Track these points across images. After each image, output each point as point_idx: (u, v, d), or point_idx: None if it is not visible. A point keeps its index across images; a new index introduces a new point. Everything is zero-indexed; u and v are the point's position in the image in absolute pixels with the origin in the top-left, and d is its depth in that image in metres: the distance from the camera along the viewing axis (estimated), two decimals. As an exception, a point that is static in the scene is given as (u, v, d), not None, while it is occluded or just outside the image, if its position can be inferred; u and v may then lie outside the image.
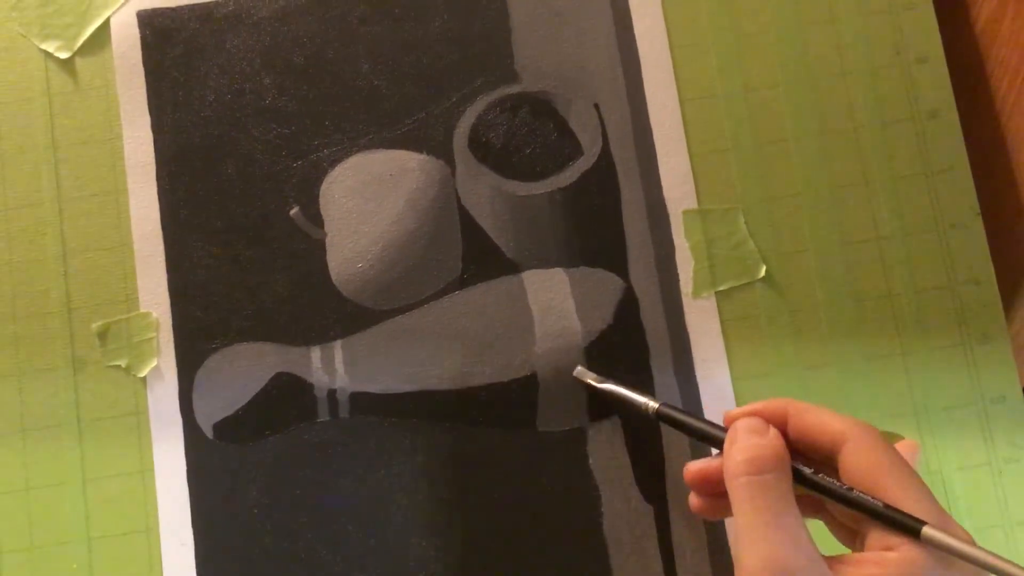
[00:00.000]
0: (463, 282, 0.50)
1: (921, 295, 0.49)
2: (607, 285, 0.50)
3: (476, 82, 0.51)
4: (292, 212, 0.51)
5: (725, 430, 0.40)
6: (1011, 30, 0.50)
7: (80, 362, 0.50)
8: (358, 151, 0.51)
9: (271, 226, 0.51)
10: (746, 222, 0.50)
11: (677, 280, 0.50)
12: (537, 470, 0.48)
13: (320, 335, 0.50)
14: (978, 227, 0.49)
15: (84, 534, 0.48)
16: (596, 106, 0.51)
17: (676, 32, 0.51)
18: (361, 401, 0.49)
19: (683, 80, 0.51)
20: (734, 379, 0.49)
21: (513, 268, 0.50)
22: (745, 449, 0.36)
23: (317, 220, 0.51)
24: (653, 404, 0.44)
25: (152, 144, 0.51)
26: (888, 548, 0.34)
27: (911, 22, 0.51)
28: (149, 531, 0.48)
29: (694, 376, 0.49)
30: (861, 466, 0.35)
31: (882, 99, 0.50)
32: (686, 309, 0.49)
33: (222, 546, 0.48)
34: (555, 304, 0.49)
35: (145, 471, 0.49)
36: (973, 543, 0.34)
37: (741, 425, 0.38)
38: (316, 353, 0.49)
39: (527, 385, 0.49)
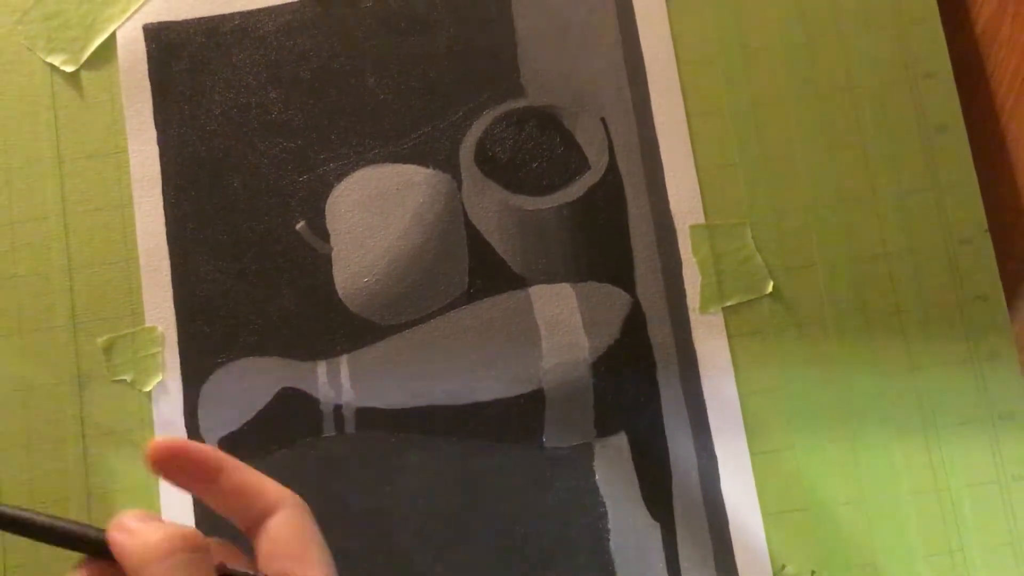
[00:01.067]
0: (470, 297, 0.50)
1: (929, 311, 0.49)
2: (614, 300, 0.49)
3: (482, 96, 0.51)
4: (298, 226, 0.51)
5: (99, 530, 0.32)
6: (1011, 32, 0.50)
7: (85, 376, 0.50)
8: (364, 165, 0.51)
9: (277, 240, 0.50)
10: (753, 237, 0.50)
11: (684, 295, 0.49)
12: (543, 486, 0.48)
13: (326, 350, 0.49)
14: (986, 243, 0.49)
15: (89, 550, 0.48)
16: (603, 120, 0.51)
17: (683, 46, 0.51)
18: (367, 416, 0.49)
19: (690, 94, 0.51)
20: (741, 395, 0.48)
21: (520, 283, 0.50)
22: (155, 533, 0.31)
23: (323, 234, 0.51)
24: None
25: (158, 158, 0.51)
26: None
27: (918, 37, 0.51)
28: (154, 547, 0.48)
29: (701, 391, 0.48)
30: (283, 535, 0.32)
31: (890, 114, 0.50)
32: (693, 324, 0.49)
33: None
34: (562, 319, 0.49)
35: (150, 486, 0.48)
36: None
37: (127, 515, 0.32)
38: (322, 368, 0.49)
39: (534, 400, 0.48)
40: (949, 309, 0.49)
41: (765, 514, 0.47)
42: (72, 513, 0.48)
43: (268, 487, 0.33)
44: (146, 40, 0.53)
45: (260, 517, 0.33)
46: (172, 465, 0.33)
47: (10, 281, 0.51)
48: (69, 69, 0.52)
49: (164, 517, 0.34)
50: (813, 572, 0.47)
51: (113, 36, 0.53)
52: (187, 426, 0.49)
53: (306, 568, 0.32)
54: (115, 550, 0.30)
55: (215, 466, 0.33)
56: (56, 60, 0.53)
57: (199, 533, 0.31)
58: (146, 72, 0.52)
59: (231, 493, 0.33)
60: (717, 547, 0.47)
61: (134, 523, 0.31)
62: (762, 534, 0.47)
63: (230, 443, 0.49)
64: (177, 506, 0.48)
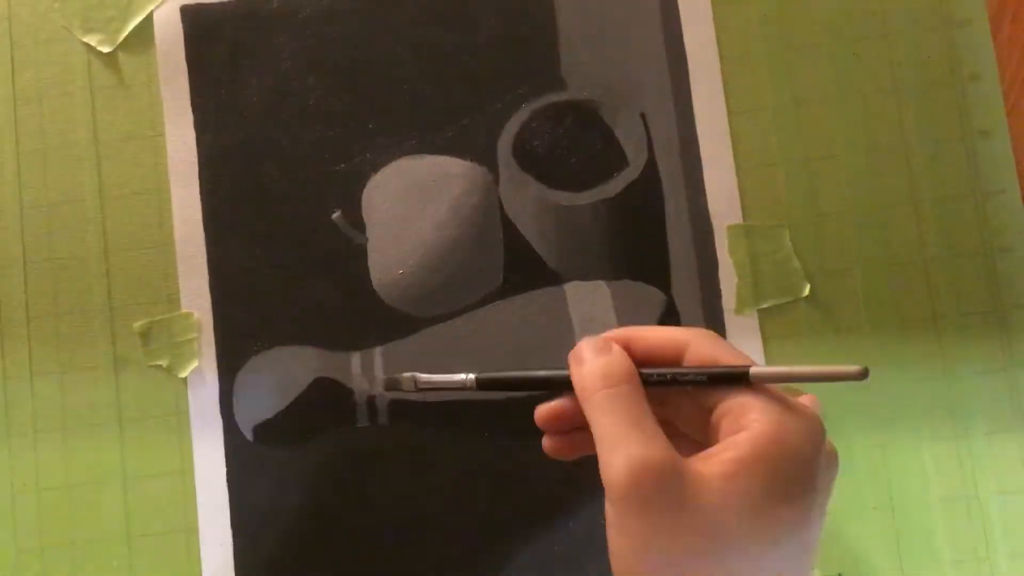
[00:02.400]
0: (504, 291, 0.50)
1: (966, 318, 0.49)
2: (649, 299, 0.49)
3: (522, 88, 0.51)
4: (334, 216, 0.50)
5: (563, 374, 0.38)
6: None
7: (122, 361, 0.50)
8: (401, 155, 0.51)
9: (313, 229, 0.50)
10: (791, 239, 0.49)
11: (719, 296, 0.49)
12: (573, 484, 0.48)
13: (360, 341, 0.50)
14: (1027, 251, 0.49)
15: (124, 532, 0.49)
16: (642, 116, 0.51)
17: (726, 42, 0.51)
18: (400, 408, 0.49)
19: (732, 92, 0.50)
20: (774, 397, 0.48)
21: (555, 279, 0.50)
22: (597, 367, 0.36)
23: (359, 225, 0.50)
24: (471, 376, 0.41)
25: (195, 143, 0.51)
26: (738, 431, 0.34)
27: (965, 38, 0.50)
28: (188, 531, 0.49)
29: (734, 392, 0.48)
30: (703, 360, 0.36)
31: (933, 117, 0.50)
32: (728, 325, 0.49)
33: (260, 548, 0.48)
34: (596, 316, 0.49)
35: (185, 471, 0.49)
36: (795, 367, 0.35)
37: (584, 345, 0.37)
38: (356, 359, 0.49)
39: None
40: (986, 317, 0.49)
41: (794, 516, 0.47)
42: (107, 498, 0.49)
43: (672, 334, 0.37)
44: (183, 22, 0.52)
45: (676, 359, 0.36)
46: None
47: (46, 263, 0.51)
48: (106, 50, 0.52)
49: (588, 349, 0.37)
50: (840, 575, 0.47)
51: (150, 17, 0.52)
52: (222, 413, 0.49)
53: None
54: (573, 379, 0.36)
55: (624, 341, 0.37)
56: (93, 40, 0.52)
57: (632, 364, 0.36)
58: (183, 54, 0.52)
59: (644, 357, 0.37)
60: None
61: (587, 353, 0.36)
62: (790, 536, 0.47)
63: (264, 431, 0.49)
64: (211, 483, 0.49)
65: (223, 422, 0.49)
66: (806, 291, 0.49)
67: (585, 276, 0.50)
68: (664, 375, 0.36)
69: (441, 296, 0.50)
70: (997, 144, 0.49)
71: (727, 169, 0.50)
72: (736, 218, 0.50)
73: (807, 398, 0.38)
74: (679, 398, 0.37)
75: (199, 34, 0.52)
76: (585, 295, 0.50)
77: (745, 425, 0.34)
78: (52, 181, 0.51)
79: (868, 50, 0.50)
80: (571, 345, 0.49)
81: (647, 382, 0.36)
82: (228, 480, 0.49)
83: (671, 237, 0.50)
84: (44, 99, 0.52)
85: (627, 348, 0.37)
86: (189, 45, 0.52)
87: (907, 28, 0.50)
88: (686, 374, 0.36)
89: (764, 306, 0.49)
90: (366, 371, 0.49)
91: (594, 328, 0.49)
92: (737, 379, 0.35)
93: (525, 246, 0.50)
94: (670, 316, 0.49)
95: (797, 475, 0.33)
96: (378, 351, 0.49)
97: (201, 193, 0.51)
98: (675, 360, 0.36)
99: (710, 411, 0.35)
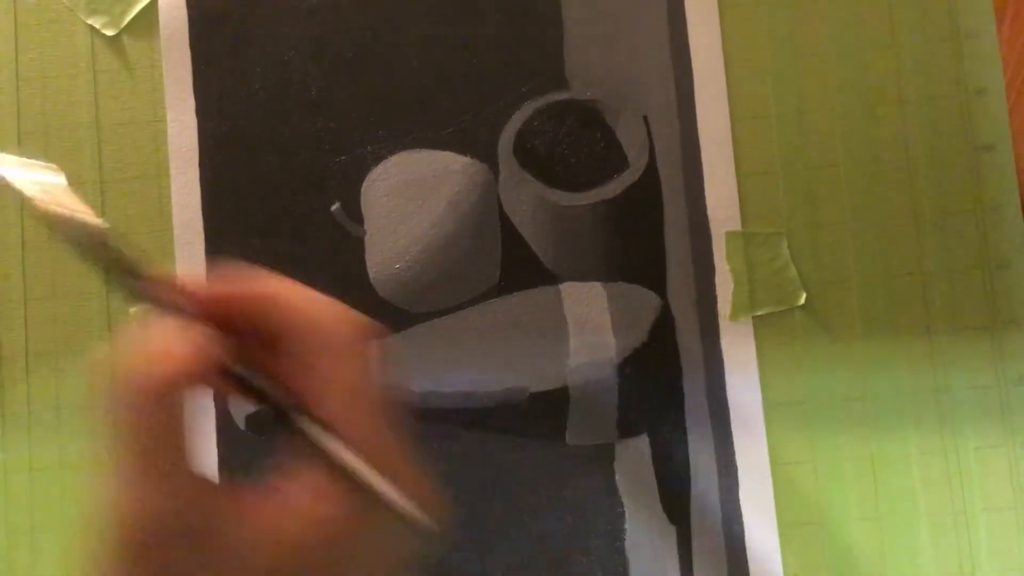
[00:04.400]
0: (500, 290, 0.50)
1: (961, 333, 0.48)
2: (644, 302, 0.49)
3: (525, 87, 0.51)
4: (333, 208, 0.50)
5: None
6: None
7: (117, 345, 0.50)
8: (402, 150, 0.51)
9: (311, 221, 0.50)
10: (789, 247, 0.49)
11: (715, 302, 0.49)
12: (563, 483, 0.49)
13: (355, 334, 0.50)
14: (1024, 268, 0.49)
15: (115, 516, 0.49)
16: (645, 118, 0.50)
17: (732, 48, 0.50)
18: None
19: (736, 98, 0.50)
20: (765, 405, 0.48)
21: (551, 279, 0.50)
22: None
23: (357, 218, 0.51)
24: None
25: (196, 129, 0.51)
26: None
27: (973, 51, 0.50)
28: (178, 517, 0.49)
29: (725, 399, 0.49)
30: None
31: (938, 130, 0.49)
32: (722, 332, 0.49)
33: (249, 536, 0.49)
34: (591, 318, 0.49)
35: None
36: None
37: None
38: (350, 352, 0.49)
39: (558, 398, 0.49)
40: (980, 332, 0.48)
41: (781, 525, 0.48)
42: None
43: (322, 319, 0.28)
44: (188, 7, 0.52)
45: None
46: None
47: (44, 246, 0.51)
48: (110, 33, 0.52)
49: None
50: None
51: (155, 1, 0.52)
52: (215, 401, 0.49)
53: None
54: None
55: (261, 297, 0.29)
56: (97, 22, 0.52)
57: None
58: (187, 40, 0.52)
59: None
60: (731, 555, 0.48)
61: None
62: (776, 544, 0.48)
63: (257, 420, 0.49)
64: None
65: (216, 411, 0.49)
66: (802, 300, 0.49)
67: (581, 277, 0.50)
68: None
69: (437, 292, 0.50)
70: (1000, 159, 0.49)
71: (728, 175, 0.50)
72: (735, 225, 0.50)
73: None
74: None
75: (203, 20, 0.52)
76: (580, 296, 0.50)
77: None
78: (53, 162, 0.51)
79: (874, 61, 0.50)
80: (565, 345, 0.49)
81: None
82: (220, 468, 0.49)
83: (669, 241, 0.50)
84: (47, 80, 0.52)
85: (260, 304, 0.29)
86: (193, 31, 0.52)
87: (914, 39, 0.50)
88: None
89: (759, 313, 0.49)
90: (359, 364, 0.49)
91: (588, 329, 0.49)
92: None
93: (522, 245, 0.50)
94: (665, 320, 0.49)
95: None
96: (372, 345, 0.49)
97: (201, 180, 0.51)
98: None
99: None
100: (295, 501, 0.27)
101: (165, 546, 0.26)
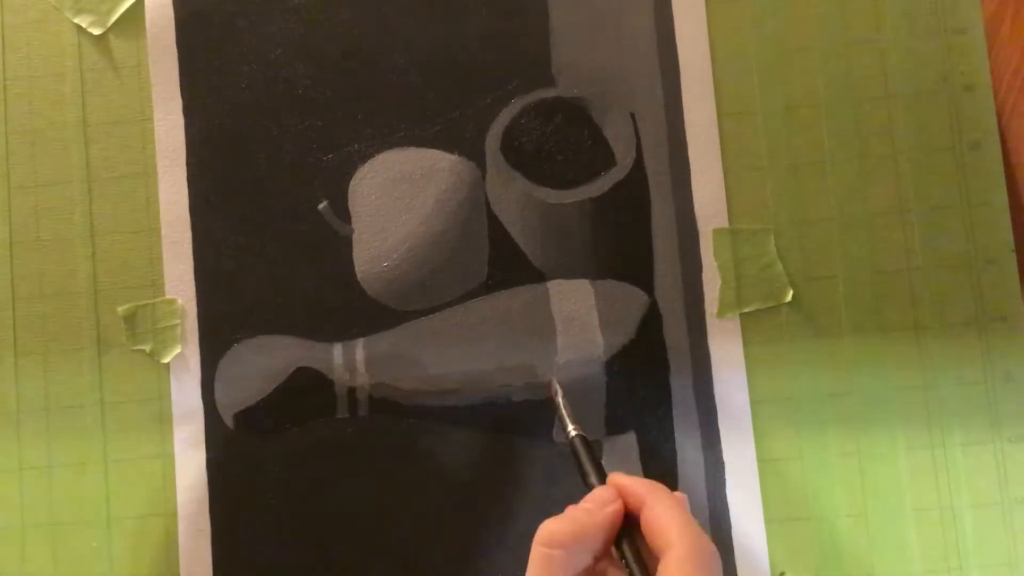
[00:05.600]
0: (488, 287, 0.50)
1: (948, 329, 0.49)
2: (632, 299, 0.49)
3: (512, 84, 0.51)
4: (321, 206, 0.50)
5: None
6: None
7: (105, 344, 0.50)
8: (389, 148, 0.51)
9: (299, 219, 0.50)
10: (777, 244, 0.49)
11: (702, 299, 0.49)
12: (551, 480, 0.49)
13: (343, 332, 0.50)
14: (1011, 263, 0.49)
15: (104, 514, 0.49)
16: (632, 115, 0.50)
17: (719, 44, 0.50)
18: (379, 401, 0.49)
19: (723, 94, 0.50)
20: (752, 401, 0.49)
21: (539, 276, 0.50)
22: (551, 523, 0.38)
23: (345, 216, 0.50)
24: (572, 431, 0.44)
25: (183, 128, 0.51)
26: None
27: (960, 47, 0.50)
28: (167, 516, 0.49)
29: (712, 396, 0.49)
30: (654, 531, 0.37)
31: (925, 126, 0.50)
32: (709, 329, 0.49)
33: (238, 534, 0.49)
34: (579, 315, 0.49)
35: (165, 456, 0.49)
36: None
37: (594, 493, 0.40)
38: (338, 350, 0.50)
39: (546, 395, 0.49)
40: (967, 328, 0.49)
41: (768, 521, 0.48)
42: (87, 480, 0.49)
43: (664, 528, 0.37)
44: (175, 6, 0.52)
45: (660, 553, 0.37)
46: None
47: (32, 244, 0.51)
48: (96, 32, 0.52)
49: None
50: (783, 574, 0.48)
51: (141, 1, 0.52)
52: (203, 399, 0.49)
53: None
54: None
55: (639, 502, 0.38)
56: (83, 21, 0.52)
57: (595, 529, 0.38)
58: (174, 39, 0.52)
59: (646, 527, 0.38)
60: (718, 550, 0.48)
61: (583, 502, 0.39)
62: (763, 540, 0.48)
63: (245, 418, 0.49)
64: (191, 468, 0.49)
65: (204, 408, 0.49)
66: (789, 296, 0.49)
67: (569, 274, 0.50)
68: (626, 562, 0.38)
69: (424, 290, 0.50)
70: (987, 155, 0.49)
71: (715, 172, 0.50)
72: (722, 221, 0.50)
73: (680, 496, 0.40)
74: None
75: (190, 19, 0.52)
76: (568, 293, 0.50)
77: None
78: (40, 162, 0.51)
79: (861, 56, 0.50)
80: (553, 342, 0.49)
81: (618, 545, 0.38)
82: (208, 466, 0.49)
83: (656, 238, 0.50)
84: (33, 80, 0.52)
85: (639, 506, 0.38)
86: (180, 30, 0.52)
87: (901, 35, 0.50)
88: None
89: (747, 310, 0.49)
90: (347, 362, 0.49)
91: (575, 326, 0.49)
92: None
93: (510, 242, 0.50)
94: (652, 317, 0.49)
95: None
96: (360, 343, 0.50)
97: (188, 178, 0.51)
98: (659, 550, 0.37)
99: None
100: None
101: None
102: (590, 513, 0.38)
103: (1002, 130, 0.50)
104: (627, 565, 0.37)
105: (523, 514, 0.48)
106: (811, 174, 0.50)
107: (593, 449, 0.42)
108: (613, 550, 0.38)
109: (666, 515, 0.37)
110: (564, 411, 0.45)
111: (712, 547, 0.37)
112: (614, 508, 0.38)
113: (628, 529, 0.38)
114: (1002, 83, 0.50)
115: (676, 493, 0.39)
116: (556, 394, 0.47)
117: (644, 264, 0.50)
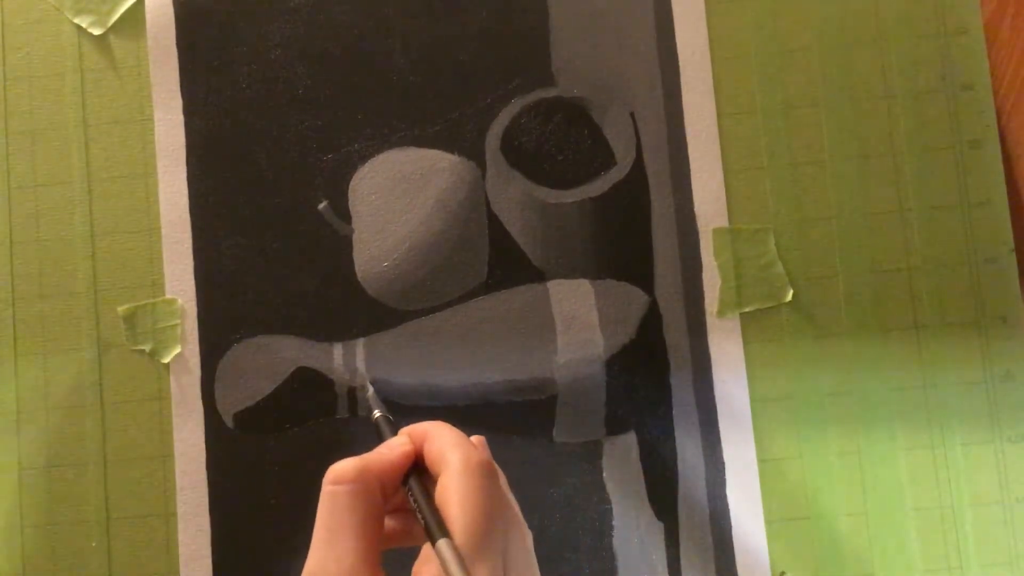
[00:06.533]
0: (488, 287, 0.50)
1: (948, 328, 0.49)
2: (632, 299, 0.49)
3: (512, 83, 0.51)
4: (321, 206, 0.50)
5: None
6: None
7: (105, 344, 0.50)
8: (389, 147, 0.51)
9: (299, 219, 0.50)
10: (776, 244, 0.49)
11: (703, 298, 0.49)
12: (551, 480, 0.49)
13: (343, 332, 0.50)
14: (1011, 263, 0.49)
15: (103, 515, 0.49)
16: (632, 115, 0.50)
17: (719, 43, 0.50)
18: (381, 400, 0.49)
19: (722, 94, 0.50)
20: (752, 401, 0.49)
21: (539, 276, 0.50)
22: (337, 464, 0.37)
23: (345, 216, 0.51)
24: (377, 413, 0.44)
25: (183, 128, 0.51)
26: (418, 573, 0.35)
27: (959, 48, 0.50)
28: (167, 516, 0.49)
29: (712, 395, 0.49)
30: (445, 493, 0.36)
31: (924, 125, 0.50)
32: (709, 328, 0.49)
33: (238, 534, 0.49)
34: (579, 315, 0.49)
35: (165, 456, 0.49)
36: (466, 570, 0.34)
37: (387, 441, 0.40)
38: (338, 350, 0.49)
39: (546, 394, 0.49)
40: (967, 328, 0.49)
41: (768, 520, 0.48)
42: (87, 480, 0.49)
43: (437, 450, 0.38)
44: (175, 6, 0.52)
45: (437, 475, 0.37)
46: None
47: (33, 244, 0.51)
48: (97, 32, 0.52)
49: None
50: (783, 573, 0.48)
51: (142, 1, 0.52)
52: (203, 399, 0.49)
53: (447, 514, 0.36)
54: None
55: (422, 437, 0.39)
56: (84, 21, 0.52)
57: (379, 465, 0.37)
58: (174, 39, 0.52)
59: (428, 460, 0.38)
60: (718, 550, 0.48)
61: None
62: (764, 540, 0.48)
63: (244, 419, 0.49)
64: (190, 468, 0.49)
65: (204, 408, 0.49)
66: (789, 296, 0.49)
67: (569, 274, 0.50)
68: (407, 488, 0.38)
69: (424, 290, 0.50)
70: (986, 155, 0.49)
71: (715, 171, 0.50)
72: (722, 221, 0.50)
73: (477, 439, 0.40)
74: None
75: (190, 19, 0.52)
76: (568, 293, 0.50)
77: (419, 572, 0.35)
78: (40, 162, 0.51)
79: (860, 56, 0.50)
80: (553, 342, 0.49)
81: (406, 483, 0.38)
82: (207, 466, 0.49)
83: (656, 238, 0.50)
84: (34, 80, 0.52)
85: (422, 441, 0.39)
86: (180, 30, 0.52)
87: (901, 35, 0.50)
88: (411, 501, 0.37)
89: (747, 310, 0.49)
90: (347, 362, 0.49)
91: (575, 326, 0.49)
92: (430, 537, 0.35)
93: (510, 242, 0.50)
94: (653, 317, 0.49)
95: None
96: (360, 343, 0.50)
97: (188, 178, 0.51)
98: (439, 474, 0.37)
99: None
100: None
101: None
102: (377, 452, 0.38)
103: (1002, 130, 0.50)
104: (413, 501, 0.37)
105: (524, 513, 0.48)
106: (811, 174, 0.50)
107: (394, 425, 0.43)
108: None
109: (440, 440, 0.38)
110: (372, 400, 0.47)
111: (485, 458, 0.37)
112: (402, 448, 0.38)
113: (419, 471, 0.38)
114: (1002, 82, 0.50)
115: (474, 437, 0.40)
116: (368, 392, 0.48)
117: (644, 264, 0.50)
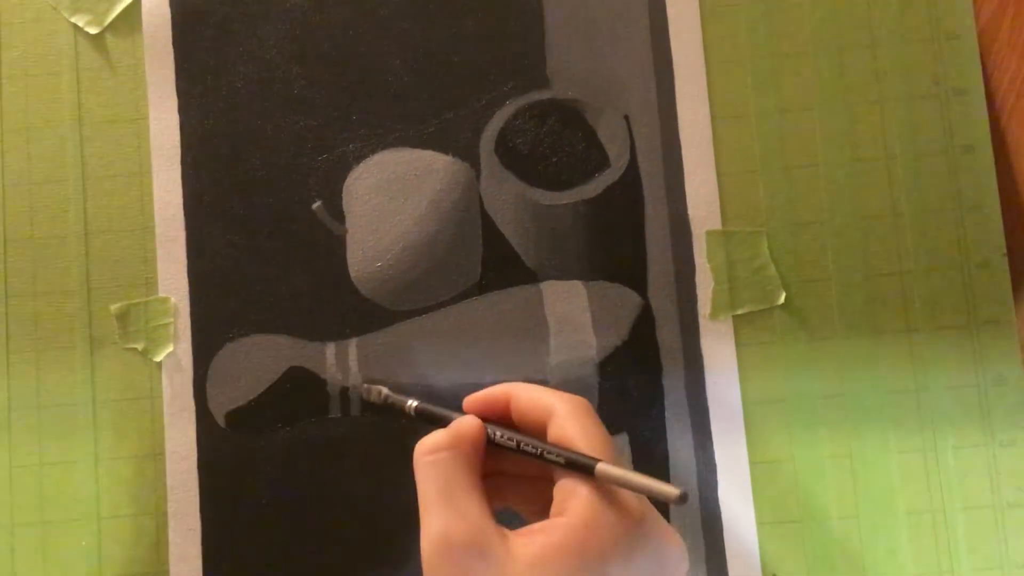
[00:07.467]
0: (481, 288, 0.50)
1: (940, 332, 0.49)
2: (625, 301, 0.50)
3: (507, 85, 0.51)
4: (315, 206, 0.51)
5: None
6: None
7: (97, 342, 0.50)
8: (384, 148, 0.51)
9: (293, 219, 0.51)
10: (769, 247, 0.49)
11: (695, 301, 0.49)
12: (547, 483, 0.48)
13: (336, 332, 0.50)
14: (1003, 267, 0.49)
15: (94, 513, 0.49)
16: (626, 117, 0.51)
17: (713, 47, 0.51)
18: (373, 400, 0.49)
19: (716, 97, 0.50)
20: (745, 403, 0.49)
21: (532, 277, 0.50)
22: (425, 438, 0.39)
23: (339, 216, 0.51)
24: (413, 403, 0.45)
25: (178, 127, 0.51)
26: (560, 514, 0.36)
27: (952, 53, 0.50)
28: (158, 515, 0.49)
29: (705, 398, 0.49)
30: (565, 434, 0.37)
31: (917, 130, 0.50)
32: (702, 331, 0.49)
33: (229, 534, 0.49)
34: (572, 316, 0.49)
35: (157, 455, 0.49)
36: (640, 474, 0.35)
37: (455, 422, 0.41)
38: (331, 349, 0.49)
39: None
40: (959, 332, 0.49)
41: (760, 523, 0.48)
42: (78, 478, 0.49)
43: (540, 399, 0.39)
44: (171, 6, 0.52)
45: (543, 425, 0.39)
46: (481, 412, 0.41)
47: (26, 242, 0.51)
48: (93, 31, 0.52)
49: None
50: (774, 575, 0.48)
51: (138, 0, 0.52)
52: (195, 398, 0.49)
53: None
54: None
55: (504, 399, 0.41)
56: (80, 20, 0.52)
57: (469, 432, 0.39)
58: (170, 39, 0.52)
59: (518, 418, 0.40)
60: (710, 551, 0.48)
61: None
62: (755, 542, 0.48)
63: (236, 418, 0.49)
64: (182, 467, 0.49)
65: (196, 407, 0.49)
66: (782, 299, 0.49)
67: (562, 276, 0.50)
68: (512, 440, 0.39)
69: (418, 290, 0.50)
70: (979, 159, 0.49)
71: (708, 174, 0.50)
72: (715, 224, 0.50)
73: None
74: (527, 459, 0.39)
75: (186, 19, 0.52)
76: (561, 295, 0.50)
77: (566, 510, 0.35)
78: (35, 160, 0.52)
79: (854, 60, 0.50)
80: (546, 343, 0.49)
81: (492, 441, 0.39)
82: (199, 465, 0.49)
83: (649, 240, 0.50)
84: (29, 78, 0.52)
85: (506, 404, 0.40)
86: (176, 29, 0.52)
87: (894, 39, 0.50)
88: (532, 449, 0.38)
89: (739, 312, 0.49)
90: (340, 362, 0.49)
91: (568, 327, 0.49)
92: (581, 469, 0.36)
93: (504, 243, 0.50)
94: (645, 319, 0.49)
95: (602, 571, 0.35)
96: (353, 343, 0.50)
97: (183, 178, 0.51)
98: (542, 423, 0.39)
99: (551, 480, 0.38)
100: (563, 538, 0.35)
101: (455, 562, 0.35)
102: (458, 423, 0.40)
103: (1000, 133, 0.50)
104: (535, 449, 0.38)
105: (517, 515, 0.48)
106: (804, 177, 0.50)
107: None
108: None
109: (531, 392, 0.40)
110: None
111: (584, 399, 0.39)
112: (476, 421, 0.40)
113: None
114: (1000, 87, 0.50)
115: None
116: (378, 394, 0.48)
117: (637, 265, 0.50)
